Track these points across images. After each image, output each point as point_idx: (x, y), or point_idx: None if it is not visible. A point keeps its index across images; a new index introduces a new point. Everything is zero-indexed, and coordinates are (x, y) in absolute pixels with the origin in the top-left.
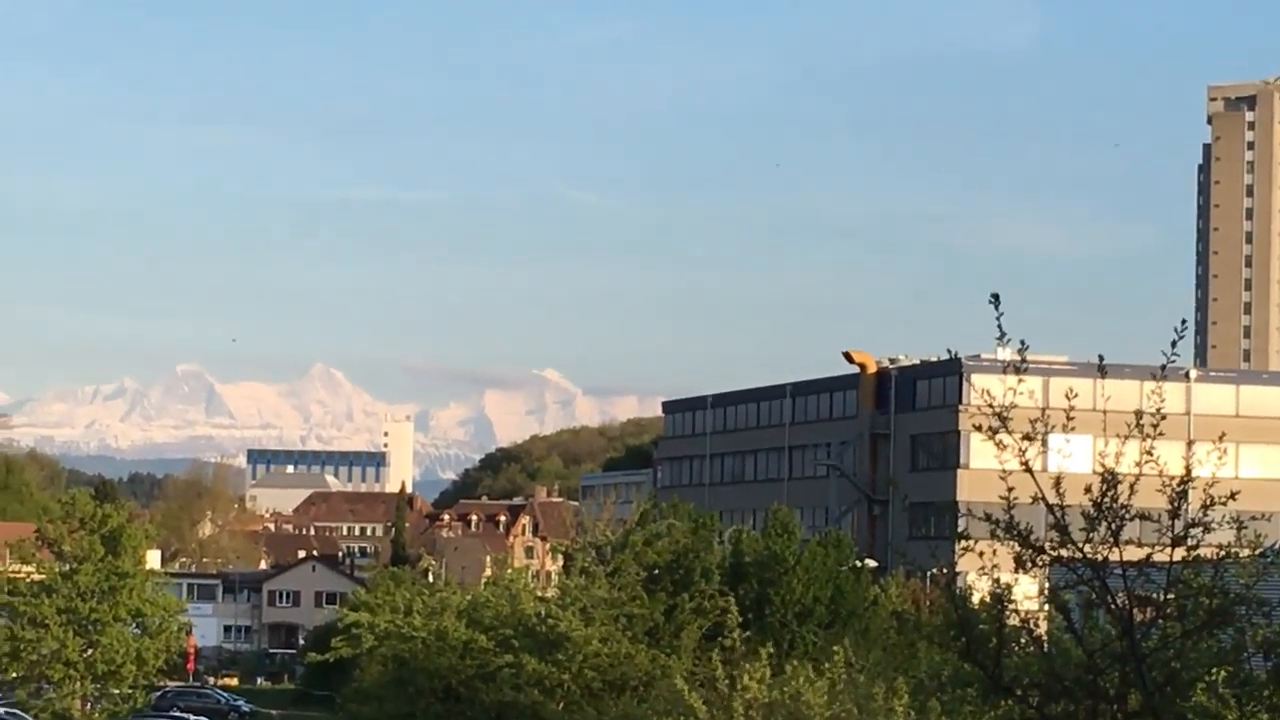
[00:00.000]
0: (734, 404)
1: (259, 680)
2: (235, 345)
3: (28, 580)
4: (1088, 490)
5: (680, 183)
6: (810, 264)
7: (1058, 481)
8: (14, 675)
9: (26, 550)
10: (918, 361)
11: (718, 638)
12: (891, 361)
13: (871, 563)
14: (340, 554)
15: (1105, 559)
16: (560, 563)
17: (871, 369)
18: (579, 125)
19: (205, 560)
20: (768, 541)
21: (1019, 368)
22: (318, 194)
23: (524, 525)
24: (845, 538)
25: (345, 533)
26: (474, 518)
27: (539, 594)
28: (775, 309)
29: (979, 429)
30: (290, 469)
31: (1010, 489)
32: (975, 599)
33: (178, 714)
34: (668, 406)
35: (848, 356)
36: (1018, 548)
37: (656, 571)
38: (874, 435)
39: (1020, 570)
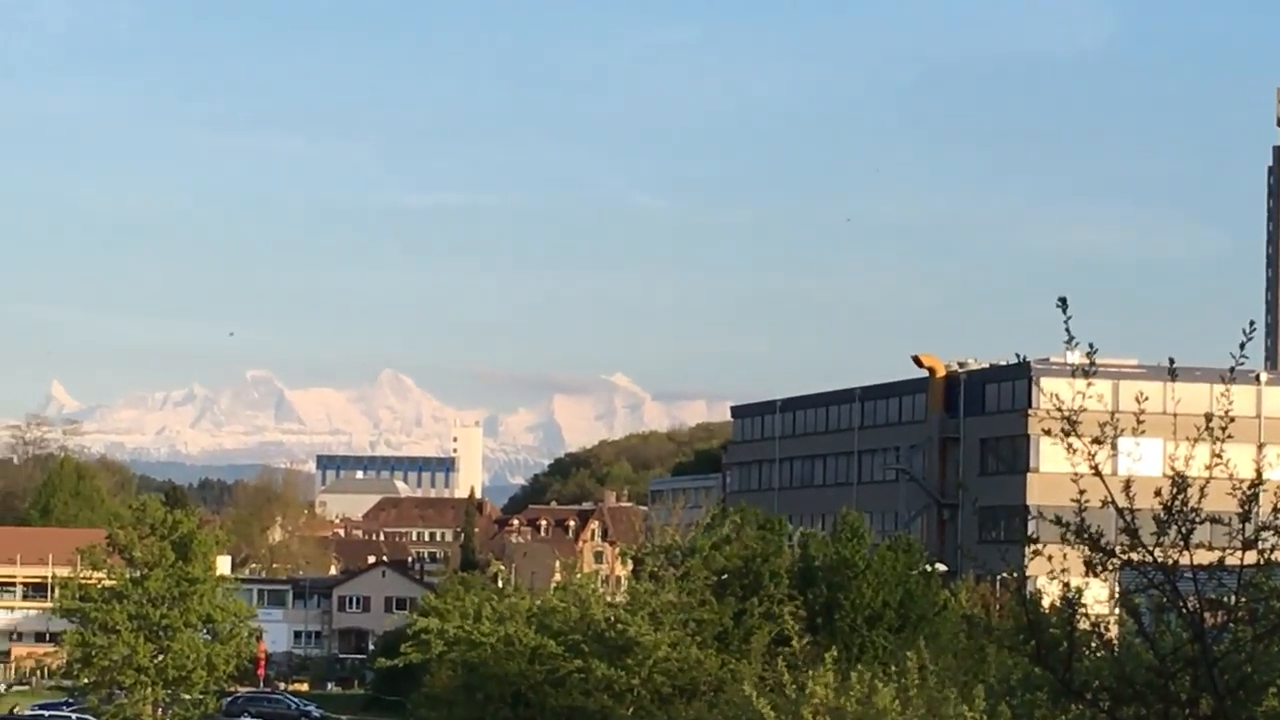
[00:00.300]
0: (803, 408)
1: (329, 685)
2: (304, 352)
3: (99, 586)
4: (1158, 494)
5: (749, 186)
6: (879, 267)
7: (1128, 485)
8: (86, 681)
9: (98, 556)
10: (987, 365)
11: (788, 642)
12: (960, 365)
13: (941, 567)
14: (410, 559)
15: (1176, 562)
16: (629, 568)
17: (941, 373)
18: (645, 130)
19: (275, 566)
20: (837, 546)
21: (1088, 371)
22: (387, 200)
23: (593, 530)
24: (915, 542)
25: (415, 538)
26: (543, 523)
27: (608, 599)
28: (844, 313)
29: (1048, 433)
30: (360, 475)
31: (1080, 492)
32: (1045, 603)
33: (248, 719)
34: (737, 411)
35: (917, 360)
36: (1088, 551)
37: (726, 576)
38: (943, 439)
39: (1090, 574)
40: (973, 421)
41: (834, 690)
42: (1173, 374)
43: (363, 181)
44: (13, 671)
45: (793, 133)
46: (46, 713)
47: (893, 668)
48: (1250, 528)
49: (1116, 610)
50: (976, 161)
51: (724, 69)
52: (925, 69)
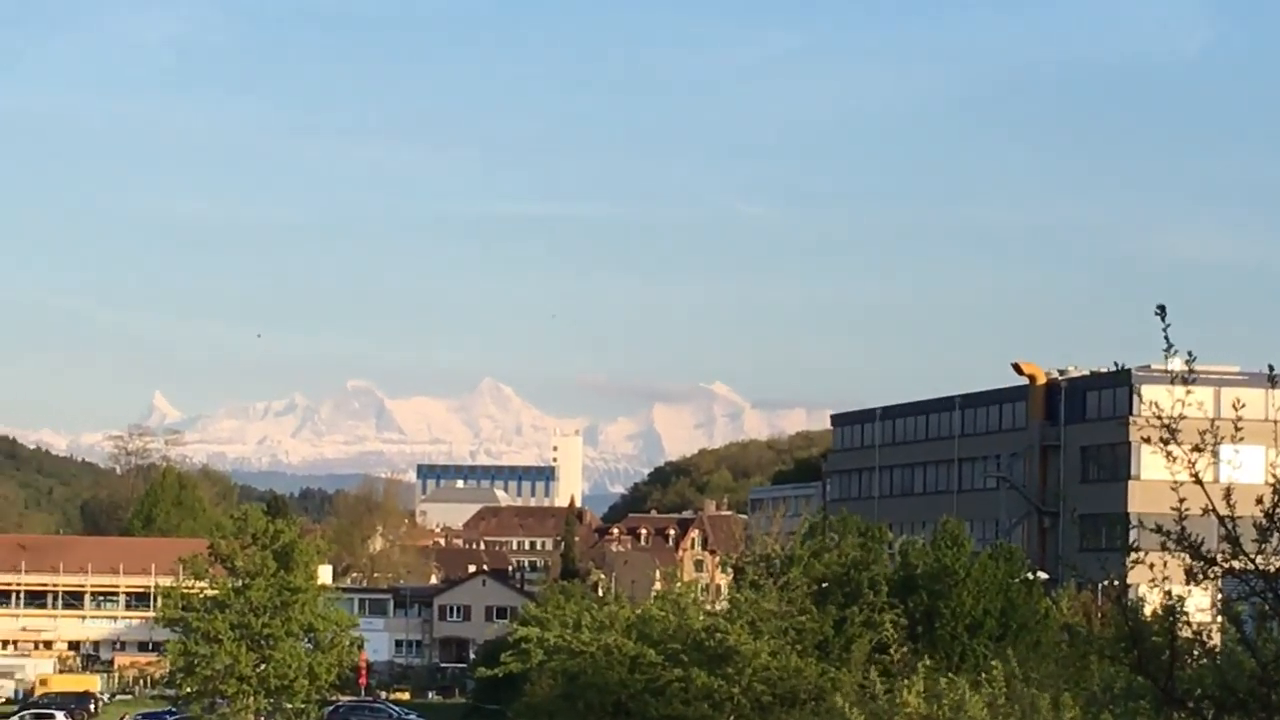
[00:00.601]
0: (903, 416)
1: (430, 694)
2: (405, 362)
3: (201, 596)
4: (1259, 501)
5: (847, 195)
6: (979, 275)
7: (1229, 493)
8: (188, 690)
9: (200, 566)
10: (1087, 372)
11: (886, 650)
12: (1061, 373)
13: (1042, 575)
14: (510, 568)
15: (1278, 570)
16: (729, 576)
17: (1041, 380)
18: (747, 138)
19: (376, 575)
20: (937, 554)
21: (1188, 379)
22: (487, 210)
23: (693, 539)
24: (1017, 550)
25: (515, 547)
26: (643, 531)
27: (708, 608)
28: (944, 320)
29: (1148, 441)
30: (460, 484)
31: (1181, 500)
32: (1147, 611)
33: None
34: (836, 419)
35: (1017, 368)
36: (1189, 559)
37: (826, 584)
38: (1044, 447)
39: (1192, 582)
40: (1073, 429)
41: (925, 699)
42: (1273, 381)
43: (465, 191)
44: (116, 681)
45: (892, 141)
46: None
47: (983, 676)
48: None
49: (1218, 618)
50: (1077, 167)
51: (824, 77)
52: (1024, 74)
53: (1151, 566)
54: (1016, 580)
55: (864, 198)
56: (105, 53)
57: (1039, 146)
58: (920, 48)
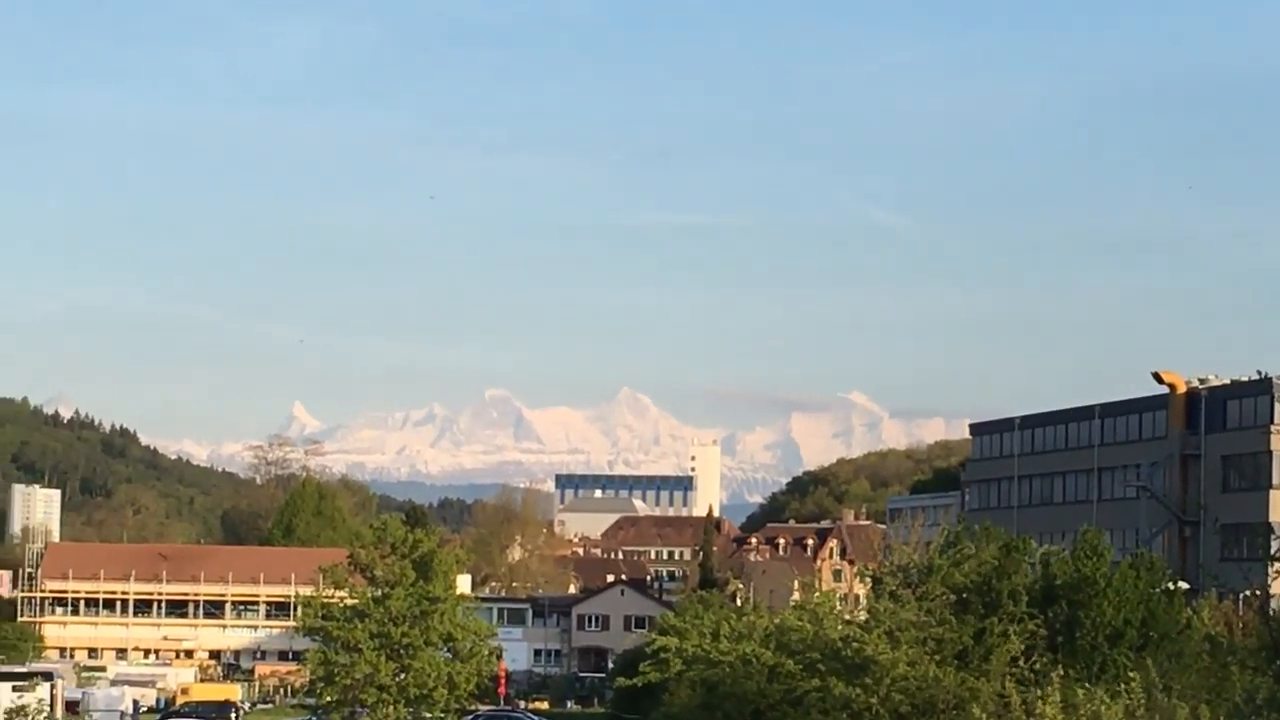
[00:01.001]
0: (1042, 425)
1: (569, 704)
2: (543, 371)
3: (341, 605)
4: None
5: (984, 203)
6: (1119, 283)
7: None
8: (328, 699)
9: (340, 575)
10: (1228, 381)
11: (1026, 660)
12: (1201, 381)
13: (1183, 585)
14: (648, 578)
15: None
16: (868, 586)
17: (1181, 389)
18: (883, 147)
19: (515, 585)
20: (1077, 563)
21: None
22: (624, 220)
23: (832, 548)
24: (1158, 560)
25: (653, 556)
26: (781, 541)
27: (846, 618)
28: (1083, 329)
29: None
30: (598, 493)
31: None
32: None
33: None
34: (975, 428)
35: (1157, 377)
36: None
37: (965, 594)
38: (1184, 456)
39: None
40: (1214, 438)
41: (1063, 709)
42: None
43: (603, 200)
44: (257, 690)
45: (1031, 148)
46: None
47: (1122, 686)
48: None
49: None
50: (1216, 174)
51: (963, 86)
52: (1163, 82)
53: None
54: (1157, 590)
55: (1003, 206)
56: (245, 64)
57: (1179, 153)
58: (1059, 56)
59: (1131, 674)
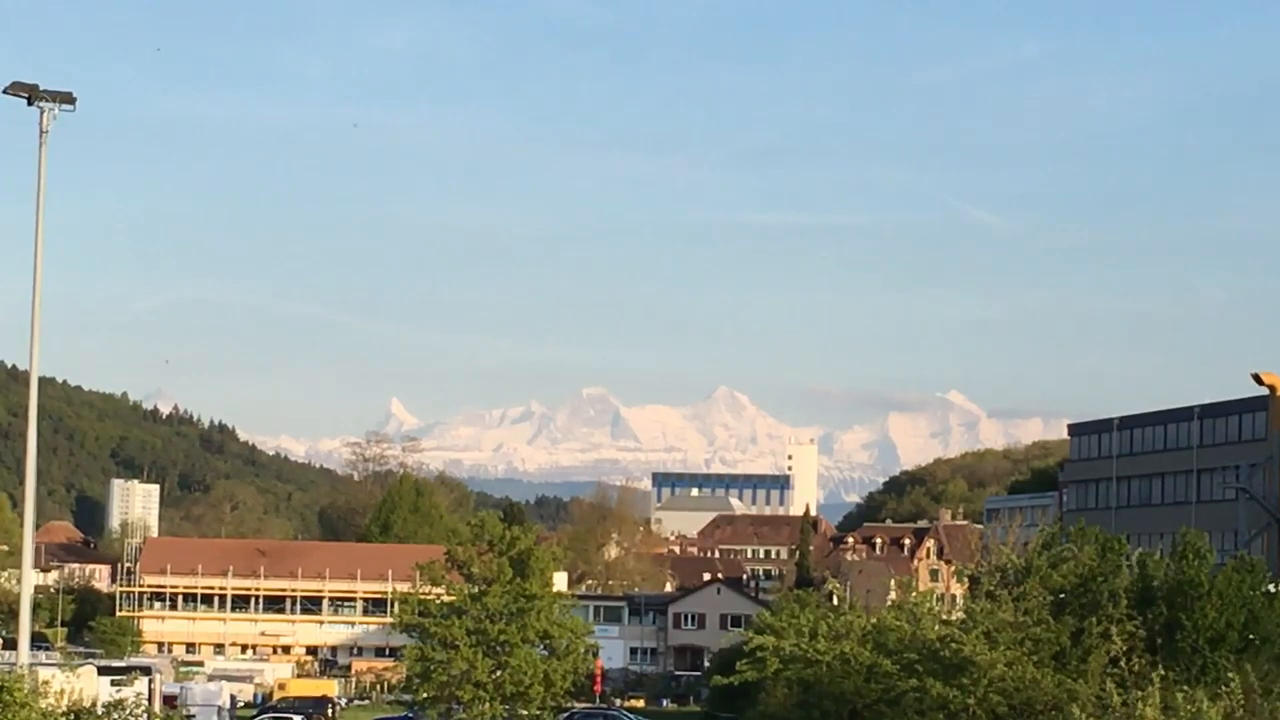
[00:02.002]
0: (1141, 426)
1: (664, 702)
2: (640, 369)
3: (438, 602)
4: None
5: (1086, 203)
6: (1219, 284)
7: None
8: (425, 696)
9: (437, 572)
10: None
11: (1126, 661)
12: None
13: None
14: (745, 576)
15: None
16: (965, 586)
17: None
18: (985, 146)
19: (611, 582)
20: (1178, 565)
21: None
22: (725, 218)
23: (929, 548)
24: (1259, 562)
25: (750, 555)
26: (878, 541)
27: (943, 617)
28: (1182, 330)
29: None
30: (695, 492)
31: None
32: None
33: None
34: (1073, 429)
35: (1257, 378)
36: None
37: (1063, 595)
38: None
39: None
40: None
41: (1162, 711)
42: None
43: (704, 200)
44: (353, 686)
45: (1132, 150)
46: None
47: (1223, 688)
48: None
49: None
50: None
51: (1063, 86)
52: (1266, 83)
53: None
54: (1259, 593)
55: (1102, 206)
56: (347, 63)
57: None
58: (1165, 56)
59: (1231, 676)
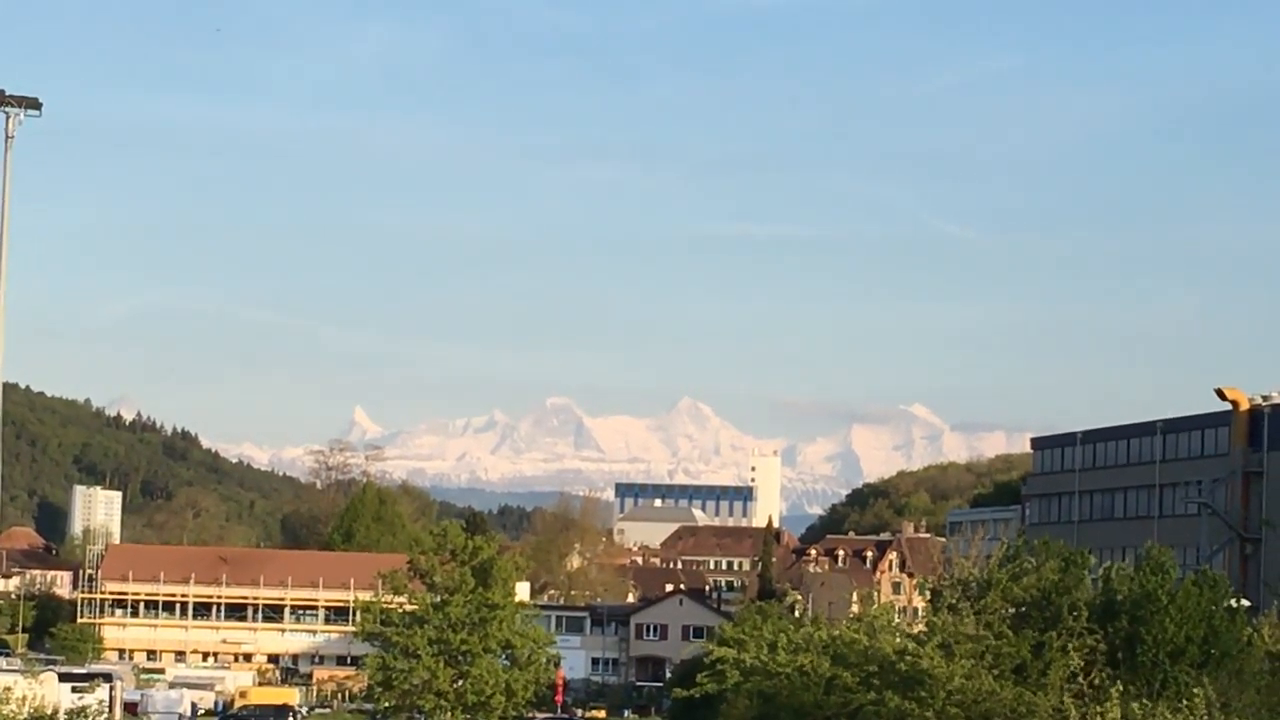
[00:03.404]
0: (1104, 440)
1: (626, 713)
2: (604, 380)
3: (400, 611)
4: None
5: (1052, 217)
6: (1181, 299)
7: None
8: (386, 705)
9: (399, 581)
10: None
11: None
12: (1264, 399)
13: (1245, 602)
14: (707, 587)
15: None
16: (927, 599)
17: (1244, 406)
18: (953, 159)
19: (573, 593)
20: (1140, 579)
21: None
22: (691, 230)
23: (891, 561)
24: (1221, 576)
25: (712, 566)
26: (841, 553)
27: (905, 630)
28: (1146, 344)
29: None
30: (658, 503)
31: None
32: None
33: None
34: (1037, 443)
35: (1220, 394)
36: None
37: (1024, 608)
38: (1246, 473)
39: None
40: (1276, 455)
41: None
42: None
43: (671, 211)
44: (315, 694)
45: (1095, 163)
46: None
47: (1184, 703)
48: None
49: None
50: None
51: (1028, 101)
52: (1231, 97)
53: None
54: (1220, 607)
55: (1068, 220)
56: (314, 69)
57: (1244, 169)
58: (1130, 70)
59: (1194, 691)
